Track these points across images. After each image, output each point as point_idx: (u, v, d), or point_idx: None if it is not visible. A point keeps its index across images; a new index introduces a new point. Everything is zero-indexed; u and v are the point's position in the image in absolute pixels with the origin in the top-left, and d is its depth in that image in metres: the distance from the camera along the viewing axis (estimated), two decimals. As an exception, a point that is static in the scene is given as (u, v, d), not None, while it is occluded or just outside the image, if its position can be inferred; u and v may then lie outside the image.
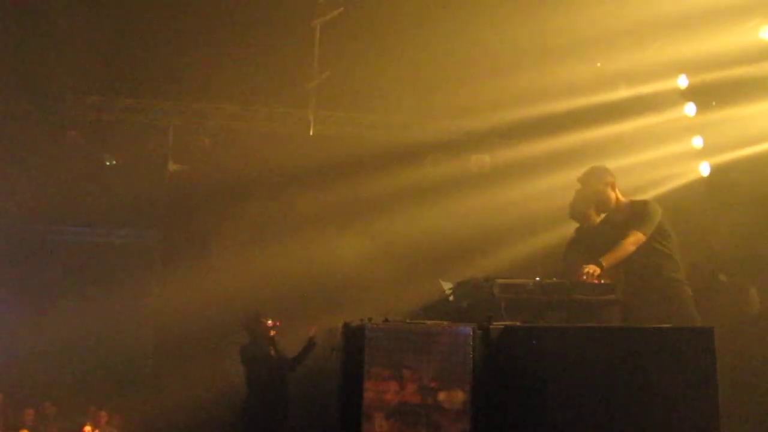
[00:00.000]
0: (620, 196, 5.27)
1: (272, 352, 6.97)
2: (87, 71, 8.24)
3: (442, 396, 3.25)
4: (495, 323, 3.27)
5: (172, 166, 8.87)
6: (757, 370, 5.02)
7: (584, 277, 4.50)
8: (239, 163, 8.92)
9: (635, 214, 5.03)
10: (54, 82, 8.36)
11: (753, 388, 4.78)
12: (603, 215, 5.51)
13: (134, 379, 8.67)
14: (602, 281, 4.45)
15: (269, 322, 6.99)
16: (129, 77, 8.37)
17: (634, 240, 4.83)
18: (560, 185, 7.13)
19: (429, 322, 3.75)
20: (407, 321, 3.95)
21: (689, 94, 7.31)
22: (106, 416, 8.05)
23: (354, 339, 3.83)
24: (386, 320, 3.88)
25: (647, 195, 7.39)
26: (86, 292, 9.01)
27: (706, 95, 7.13)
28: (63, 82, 8.41)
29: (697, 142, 7.31)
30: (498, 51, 7.77)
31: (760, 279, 5.96)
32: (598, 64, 7.73)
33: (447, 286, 5.10)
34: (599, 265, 4.57)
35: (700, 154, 7.27)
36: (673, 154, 7.46)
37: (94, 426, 7.96)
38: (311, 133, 8.65)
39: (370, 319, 3.90)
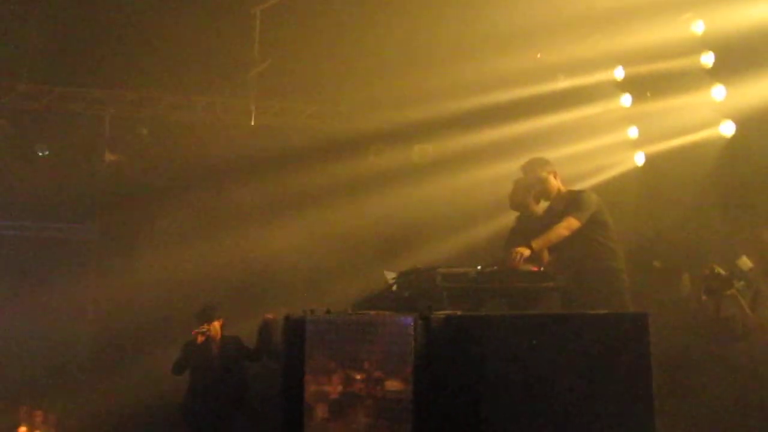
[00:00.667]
0: (561, 186, 5.39)
1: (214, 350, 6.84)
2: (17, 57, 7.93)
3: (384, 386, 3.26)
4: (436, 312, 3.29)
5: (109, 157, 8.63)
6: (688, 352, 5.19)
7: (514, 259, 4.61)
8: (178, 154, 8.75)
9: (571, 201, 5.16)
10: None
11: (684, 370, 4.95)
12: (543, 205, 5.64)
13: (70, 376, 8.44)
14: (541, 268, 4.54)
15: (204, 327, 6.80)
16: (62, 64, 8.09)
17: (566, 225, 4.97)
18: (502, 175, 7.22)
19: (371, 313, 3.75)
20: (349, 312, 3.95)
21: (625, 85, 7.50)
22: (42, 415, 7.81)
23: (295, 331, 3.81)
24: (328, 311, 3.86)
25: (585, 184, 7.56)
26: (19, 287, 8.72)
27: (641, 86, 7.32)
28: (-9, 69, 8.09)
29: (633, 132, 7.51)
30: (440, 41, 7.81)
31: (691, 265, 6.15)
32: (538, 56, 7.85)
33: (390, 276, 5.12)
34: (529, 247, 4.68)
35: (635, 144, 7.47)
36: (609, 144, 7.64)
37: (30, 426, 7.71)
38: (252, 123, 8.53)
39: (312, 311, 3.88)
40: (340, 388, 3.40)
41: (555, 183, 5.39)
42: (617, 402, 2.87)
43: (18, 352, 8.50)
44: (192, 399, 6.82)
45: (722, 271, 4.82)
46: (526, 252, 4.67)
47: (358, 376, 3.31)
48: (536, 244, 4.77)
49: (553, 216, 5.27)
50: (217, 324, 6.87)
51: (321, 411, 3.49)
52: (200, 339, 6.73)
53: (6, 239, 8.98)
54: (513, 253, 4.67)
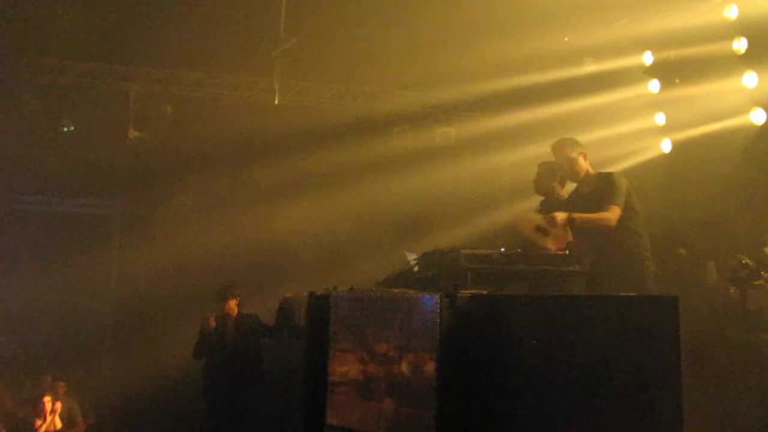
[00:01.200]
0: (590, 168, 5.32)
1: (230, 328, 6.89)
2: (45, 33, 7.96)
3: (408, 365, 3.26)
4: (461, 291, 3.28)
5: (133, 134, 8.67)
6: (712, 340, 5.15)
7: (551, 219, 4.62)
8: (202, 132, 8.77)
9: (604, 187, 5.07)
10: (9, 44, 8.06)
11: (708, 358, 4.91)
12: (568, 188, 5.60)
13: (93, 349, 8.55)
14: (567, 252, 4.50)
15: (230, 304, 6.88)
16: (89, 40, 8.11)
17: (611, 215, 4.89)
18: (523, 159, 7.18)
19: (395, 290, 3.74)
20: (373, 289, 3.95)
21: (653, 71, 7.39)
22: (64, 386, 7.93)
23: (319, 308, 3.81)
24: (352, 289, 3.87)
25: (610, 170, 7.50)
26: (42, 261, 8.82)
27: (669, 72, 7.22)
28: (18, 44, 8.12)
29: (660, 118, 7.41)
30: (465, 23, 7.73)
31: (717, 252, 6.09)
32: (565, 39, 7.75)
33: (411, 257, 5.11)
34: (570, 217, 4.66)
35: (663, 131, 7.38)
36: (635, 130, 7.55)
37: (53, 396, 7.83)
38: (276, 102, 8.52)
39: (335, 288, 3.89)
40: (364, 365, 3.41)
41: (584, 164, 5.30)
42: (644, 386, 2.84)
43: (42, 325, 8.62)
44: (209, 376, 6.88)
45: (750, 262, 4.76)
46: (563, 217, 4.62)
47: (383, 354, 3.32)
48: (578, 219, 4.72)
49: (580, 198, 5.21)
50: (232, 303, 6.91)
51: (344, 388, 3.50)
52: (212, 323, 6.81)
53: (30, 214, 9.08)
54: (552, 216, 4.64)
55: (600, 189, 5.08)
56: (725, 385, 4.84)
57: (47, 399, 7.65)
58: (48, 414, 7.48)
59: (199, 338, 6.92)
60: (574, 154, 5.26)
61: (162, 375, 7.57)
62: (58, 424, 7.54)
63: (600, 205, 4.94)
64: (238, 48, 8.27)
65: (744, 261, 4.81)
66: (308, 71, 8.61)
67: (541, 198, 5.91)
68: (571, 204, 5.21)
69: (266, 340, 7.00)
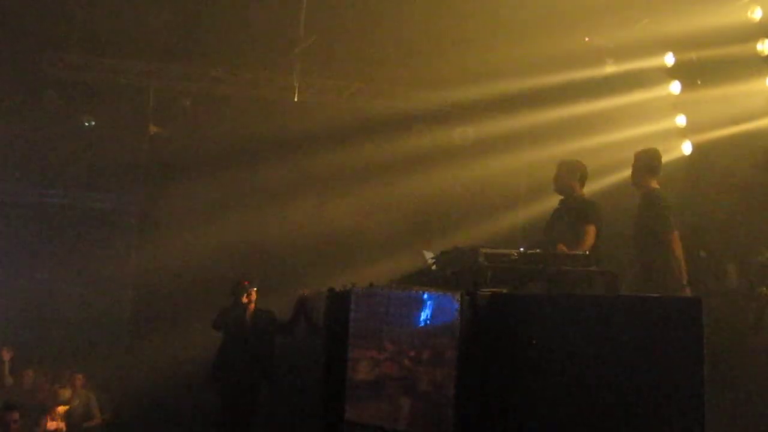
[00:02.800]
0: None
1: (248, 320, 6.90)
2: (66, 29, 8.03)
3: (428, 362, 3.26)
4: (482, 290, 3.28)
5: (153, 129, 8.73)
6: (735, 343, 5.10)
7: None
8: (221, 128, 8.81)
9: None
10: (31, 40, 8.14)
11: (730, 361, 4.87)
12: (588, 188, 5.68)
13: (111, 342, 8.61)
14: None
15: (251, 291, 6.88)
16: (110, 36, 8.17)
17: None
18: (543, 159, 7.16)
19: (415, 288, 3.74)
20: (393, 286, 3.95)
21: (675, 72, 7.33)
22: (82, 379, 8.00)
23: (339, 305, 3.82)
24: (371, 285, 3.87)
25: (628, 172, 7.47)
26: (63, 255, 8.90)
27: (691, 73, 7.16)
28: (40, 41, 8.19)
29: (681, 120, 7.36)
30: (485, 23, 7.72)
31: (738, 255, 6.04)
32: (586, 39, 7.71)
33: (429, 255, 5.11)
34: None
35: (683, 133, 7.32)
36: (656, 132, 7.50)
37: (72, 389, 7.90)
38: (295, 100, 8.54)
39: (354, 285, 3.89)
40: (383, 362, 3.41)
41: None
42: (666, 388, 2.82)
43: (62, 318, 8.69)
44: (221, 366, 6.86)
45: None
46: None
47: (402, 352, 3.32)
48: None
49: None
50: (253, 292, 6.94)
51: (363, 385, 3.51)
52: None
53: (51, 208, 9.16)
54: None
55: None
56: (747, 388, 4.80)
57: (65, 392, 7.71)
58: (58, 417, 7.52)
59: (218, 317, 6.90)
60: (574, 183, 5.65)
61: (179, 369, 7.61)
62: (63, 427, 7.57)
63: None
64: (258, 45, 8.30)
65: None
66: (327, 69, 8.62)
67: (560, 197, 5.91)
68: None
69: (281, 337, 7.00)
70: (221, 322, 6.92)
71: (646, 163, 5.71)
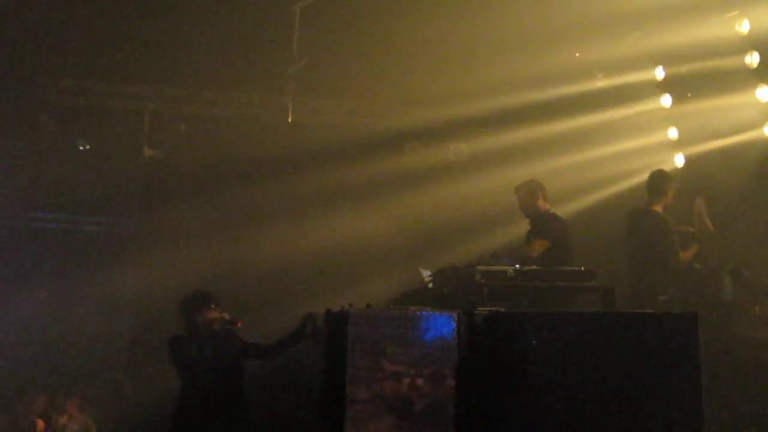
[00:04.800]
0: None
1: (211, 349, 5.62)
2: (61, 53, 8.07)
3: (426, 382, 3.26)
4: (479, 309, 3.29)
5: (148, 152, 8.74)
6: (730, 356, 5.12)
7: None
8: (216, 150, 8.82)
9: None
10: (25, 64, 8.18)
11: (729, 374, 4.88)
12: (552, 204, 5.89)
13: (108, 367, 8.56)
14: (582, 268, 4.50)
15: (213, 313, 5.61)
16: (104, 61, 8.21)
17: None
18: (537, 174, 7.20)
19: (412, 308, 3.75)
20: (390, 307, 3.96)
21: (665, 86, 7.41)
22: (78, 405, 7.94)
23: (337, 325, 3.83)
24: (368, 306, 3.88)
25: (623, 185, 7.53)
26: (58, 279, 8.86)
27: (681, 87, 7.23)
28: (35, 65, 8.23)
29: (672, 133, 7.42)
30: (477, 39, 7.78)
31: (731, 267, 6.07)
32: (577, 54, 7.78)
33: (426, 273, 5.13)
34: None
35: (675, 145, 7.38)
36: (648, 145, 7.57)
37: (68, 415, 7.84)
38: (289, 120, 8.57)
39: (351, 305, 3.90)
40: (381, 382, 3.41)
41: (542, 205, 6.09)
42: (665, 403, 2.83)
43: (57, 343, 8.64)
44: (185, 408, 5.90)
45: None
46: None
47: (400, 372, 3.32)
48: None
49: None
50: (214, 313, 5.74)
51: (362, 406, 3.50)
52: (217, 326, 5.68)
53: (46, 232, 9.14)
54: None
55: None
56: (743, 400, 4.81)
57: (62, 420, 7.65)
58: None
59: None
60: (537, 201, 6.01)
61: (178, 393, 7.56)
62: None
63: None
64: (252, 66, 8.35)
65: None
66: (321, 89, 8.67)
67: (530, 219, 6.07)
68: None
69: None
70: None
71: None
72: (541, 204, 6.01)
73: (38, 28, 7.75)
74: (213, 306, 5.69)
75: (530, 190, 6.03)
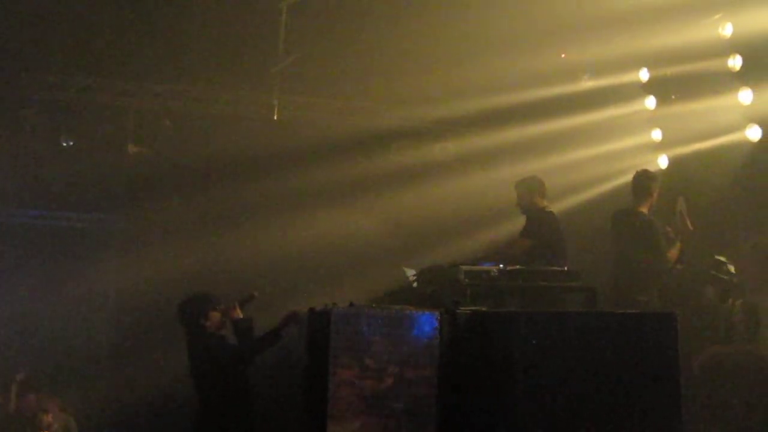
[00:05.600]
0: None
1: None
2: (44, 48, 8.00)
3: (408, 381, 3.27)
4: (462, 308, 3.30)
5: (132, 148, 8.69)
6: (714, 358, 5.17)
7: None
8: (201, 147, 8.78)
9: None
10: (9, 60, 8.10)
11: (705, 375, 4.93)
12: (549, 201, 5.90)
13: (90, 364, 8.50)
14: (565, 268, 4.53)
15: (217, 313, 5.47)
16: (88, 56, 8.15)
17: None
18: (523, 174, 7.23)
19: (395, 307, 3.76)
20: (373, 305, 3.96)
21: (650, 87, 7.47)
22: (60, 402, 7.88)
23: (320, 324, 3.83)
24: (351, 304, 3.88)
25: (607, 186, 7.59)
26: (41, 276, 8.79)
27: (665, 89, 7.30)
28: (19, 60, 8.16)
29: (656, 134, 7.48)
30: (464, 39, 7.80)
31: (714, 268, 6.12)
32: (563, 56, 7.82)
33: (410, 272, 5.14)
34: None
35: (659, 147, 7.44)
36: (632, 146, 7.62)
37: (49, 413, 7.77)
38: (275, 118, 8.55)
39: (334, 304, 3.90)
40: (364, 381, 3.42)
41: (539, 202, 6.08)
42: (644, 401, 2.86)
43: (39, 340, 8.57)
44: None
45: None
46: None
47: (383, 370, 3.33)
48: None
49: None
50: (216, 316, 5.61)
51: (345, 405, 3.51)
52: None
53: (29, 228, 9.06)
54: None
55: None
56: (721, 398, 4.86)
57: (46, 417, 7.58)
58: None
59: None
60: (535, 198, 5.96)
61: (160, 391, 7.53)
62: None
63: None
64: (238, 64, 8.32)
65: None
66: (307, 87, 8.65)
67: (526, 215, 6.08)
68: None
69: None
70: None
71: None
72: (538, 201, 6.00)
73: (22, 23, 7.68)
74: (218, 307, 5.55)
75: (529, 187, 6.03)
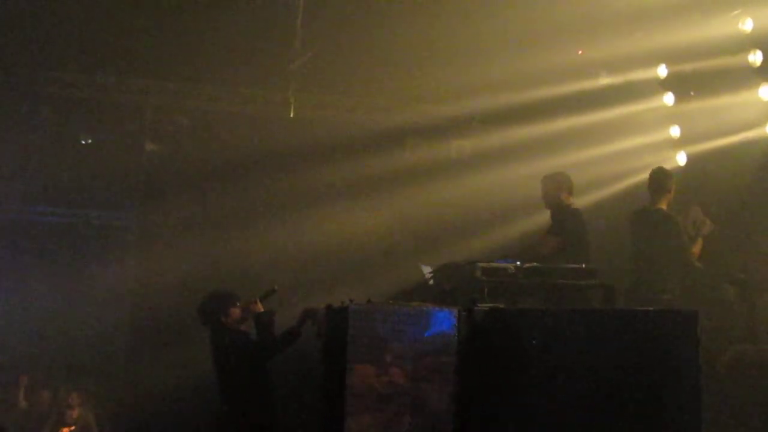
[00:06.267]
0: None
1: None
2: (63, 47, 8.06)
3: (425, 379, 3.26)
4: (479, 305, 3.29)
5: (149, 146, 8.75)
6: (734, 356, 5.12)
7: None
8: (217, 145, 8.83)
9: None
10: (27, 58, 8.17)
11: (727, 373, 4.88)
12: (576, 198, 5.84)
13: (109, 360, 8.57)
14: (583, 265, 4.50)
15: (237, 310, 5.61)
16: (106, 54, 8.21)
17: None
18: (539, 172, 7.19)
19: (413, 303, 3.76)
20: (390, 302, 3.96)
21: (668, 84, 7.39)
22: (79, 398, 7.95)
23: (337, 321, 3.83)
24: (369, 301, 3.88)
25: (625, 183, 7.53)
26: (59, 273, 8.87)
27: (684, 85, 7.22)
28: (37, 58, 8.23)
29: (675, 131, 7.41)
30: (481, 36, 7.76)
31: (732, 266, 6.07)
32: (580, 52, 7.77)
33: (427, 269, 5.13)
34: None
35: (678, 144, 7.37)
36: (650, 143, 7.56)
37: (71, 408, 7.84)
38: (291, 116, 8.57)
39: (351, 301, 3.90)
40: (381, 379, 3.42)
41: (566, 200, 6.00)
42: (663, 399, 2.83)
43: (58, 337, 8.65)
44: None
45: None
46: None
47: (400, 368, 3.32)
48: None
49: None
50: (236, 311, 5.80)
51: (362, 402, 3.51)
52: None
53: (48, 225, 9.15)
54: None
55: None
56: (742, 397, 4.81)
57: (72, 413, 7.65)
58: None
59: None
60: (561, 194, 5.92)
61: (178, 386, 7.58)
62: None
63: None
64: (254, 61, 8.33)
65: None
66: (323, 85, 8.67)
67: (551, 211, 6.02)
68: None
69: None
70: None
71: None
72: (564, 198, 5.96)
73: (40, 21, 7.74)
74: (238, 303, 5.67)
75: (555, 183, 5.99)
